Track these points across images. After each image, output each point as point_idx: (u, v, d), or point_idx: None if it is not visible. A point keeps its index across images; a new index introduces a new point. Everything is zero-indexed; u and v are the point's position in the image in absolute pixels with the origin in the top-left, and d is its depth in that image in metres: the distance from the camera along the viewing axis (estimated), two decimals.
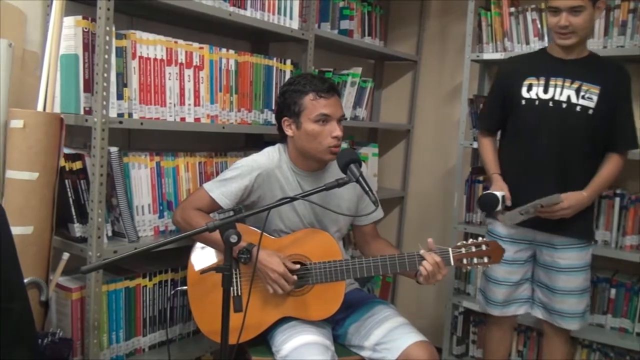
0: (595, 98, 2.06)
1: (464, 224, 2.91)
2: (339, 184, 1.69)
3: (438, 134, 3.36)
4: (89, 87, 1.80)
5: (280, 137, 2.01)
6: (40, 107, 1.75)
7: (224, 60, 2.16)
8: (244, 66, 2.24)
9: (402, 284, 3.50)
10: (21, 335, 1.45)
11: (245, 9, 2.22)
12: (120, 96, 1.84)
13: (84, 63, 1.79)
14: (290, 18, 2.42)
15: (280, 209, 1.89)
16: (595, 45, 2.53)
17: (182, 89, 2.02)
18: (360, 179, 1.71)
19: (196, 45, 2.05)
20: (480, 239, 1.83)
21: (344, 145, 2.89)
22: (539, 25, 2.67)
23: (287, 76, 2.41)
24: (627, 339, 2.52)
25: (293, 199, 1.69)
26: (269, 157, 1.97)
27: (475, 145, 2.74)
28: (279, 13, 2.37)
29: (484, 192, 2.16)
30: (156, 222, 2.02)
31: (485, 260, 1.80)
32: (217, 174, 2.17)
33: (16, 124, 1.67)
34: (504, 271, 2.23)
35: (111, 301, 1.92)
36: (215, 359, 2.34)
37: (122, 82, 1.84)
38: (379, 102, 3.50)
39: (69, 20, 1.79)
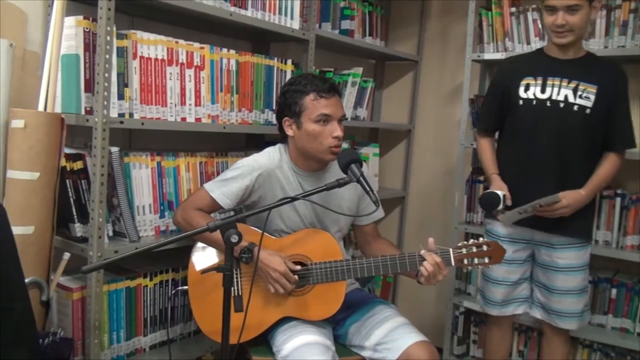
0: (592, 97, 2.07)
1: (464, 224, 2.91)
2: (340, 184, 1.69)
3: (439, 134, 3.36)
4: (89, 87, 1.80)
5: (281, 137, 2.02)
6: (41, 107, 1.75)
7: (224, 60, 2.16)
8: (244, 66, 2.24)
9: (402, 284, 3.50)
10: (22, 335, 1.45)
11: (246, 9, 2.22)
12: (121, 96, 1.84)
13: (85, 63, 1.80)
14: (291, 18, 2.42)
15: (281, 209, 1.89)
16: (596, 45, 2.53)
17: (183, 89, 2.02)
18: (361, 179, 1.71)
19: (197, 45, 2.05)
20: (481, 239, 1.83)
21: (345, 145, 2.90)
22: (540, 25, 2.67)
23: (288, 76, 2.41)
24: (628, 339, 2.52)
25: (294, 199, 1.69)
26: (270, 157, 1.97)
27: (476, 145, 2.74)
28: (279, 13, 2.37)
29: (486, 191, 2.16)
30: (157, 222, 2.02)
31: (486, 260, 1.81)
32: (218, 174, 2.17)
33: (17, 123, 1.67)
34: (502, 271, 2.23)
35: (112, 301, 1.92)
36: (216, 358, 2.35)
37: (123, 82, 1.84)
38: (380, 102, 3.50)
39: (70, 20, 1.79)
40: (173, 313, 2.13)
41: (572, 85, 2.09)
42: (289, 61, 2.44)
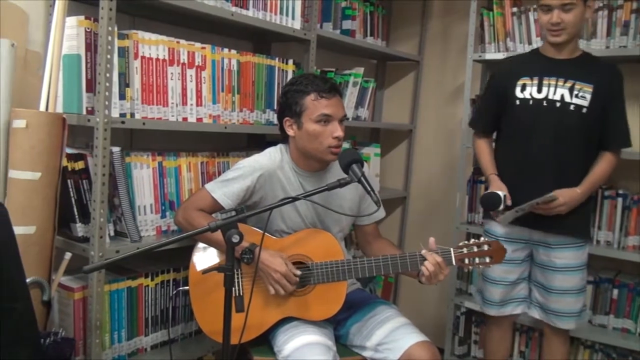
0: (588, 97, 2.08)
1: (466, 224, 2.91)
2: (341, 184, 1.69)
3: (440, 134, 3.36)
4: (91, 87, 1.81)
5: (282, 137, 2.02)
6: (42, 107, 1.75)
7: (226, 60, 2.16)
8: (246, 66, 2.24)
9: (404, 284, 3.50)
10: (23, 335, 1.45)
11: (247, 9, 2.22)
12: (122, 96, 1.84)
13: (87, 63, 1.80)
14: (293, 18, 2.42)
15: (282, 209, 1.89)
16: (597, 45, 2.53)
17: (184, 89, 2.02)
18: (362, 179, 1.71)
19: (198, 45, 2.05)
20: (482, 238, 1.83)
21: (346, 145, 2.91)
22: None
23: (289, 76, 2.41)
24: (630, 340, 2.51)
25: (295, 199, 1.69)
26: (271, 157, 1.97)
27: (473, 145, 2.74)
28: (281, 13, 2.37)
29: (486, 192, 2.17)
30: (158, 222, 2.02)
31: (487, 260, 1.81)
32: (219, 174, 2.17)
33: (19, 123, 1.67)
34: (500, 270, 2.23)
35: (113, 301, 1.92)
36: (217, 359, 2.35)
37: (125, 82, 1.85)
38: (381, 102, 3.50)
39: (72, 20, 1.79)
40: (174, 313, 2.13)
41: (568, 84, 2.10)
42: (290, 61, 2.44)
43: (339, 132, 1.88)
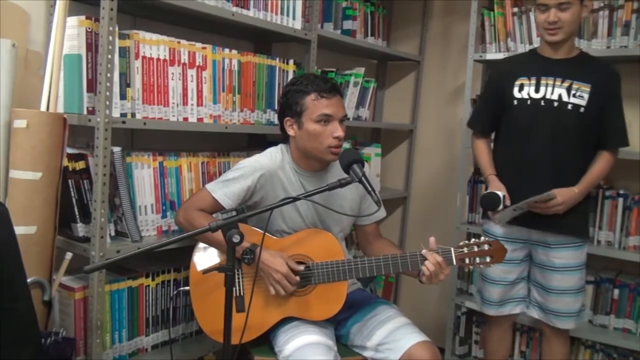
0: (586, 96, 2.08)
1: (466, 224, 2.91)
2: (342, 184, 1.69)
3: (441, 134, 3.35)
4: (92, 87, 1.81)
5: (283, 138, 2.02)
6: (43, 107, 1.75)
7: (226, 61, 2.16)
8: (246, 66, 2.24)
9: (404, 284, 3.50)
10: (24, 335, 1.45)
11: (248, 9, 2.22)
12: (123, 96, 1.84)
13: (87, 63, 1.80)
14: (293, 18, 2.43)
15: (283, 209, 1.89)
16: (598, 45, 2.54)
17: (185, 89, 2.02)
18: (363, 179, 1.71)
19: (199, 45, 2.06)
20: (482, 238, 1.83)
21: (347, 145, 2.91)
22: None
23: (290, 76, 2.41)
24: (631, 340, 2.51)
25: (295, 199, 1.69)
26: (272, 157, 1.97)
27: (471, 146, 2.74)
28: (281, 13, 2.37)
29: (486, 192, 2.17)
30: (159, 222, 2.03)
31: (488, 259, 1.80)
32: (220, 174, 2.17)
33: (20, 123, 1.67)
34: (499, 270, 2.23)
35: (114, 301, 1.92)
36: (217, 359, 2.35)
37: (125, 82, 1.85)
38: (382, 102, 3.50)
39: (72, 20, 1.79)
40: (175, 313, 2.13)
41: (566, 84, 2.10)
42: (291, 61, 2.44)
43: (339, 132, 1.88)
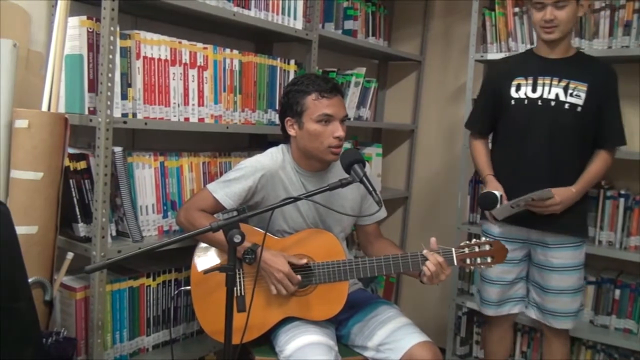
0: (583, 95, 2.09)
1: (467, 224, 2.91)
2: (343, 184, 1.69)
3: (442, 134, 3.35)
4: (93, 87, 1.81)
5: (284, 138, 2.02)
6: (44, 107, 1.75)
7: (227, 61, 2.16)
8: (247, 66, 2.25)
9: (405, 284, 3.50)
10: (25, 335, 1.45)
11: (249, 9, 2.22)
12: (124, 96, 1.84)
13: (89, 63, 1.80)
14: (294, 18, 2.43)
15: (284, 209, 1.89)
16: (599, 45, 2.53)
17: (186, 89, 2.02)
18: (364, 179, 1.71)
19: (200, 45, 2.06)
20: (483, 239, 1.83)
21: (347, 145, 2.91)
22: None
23: (291, 76, 2.41)
24: (632, 340, 2.51)
25: (296, 199, 1.69)
26: (273, 157, 1.97)
27: (469, 147, 2.74)
28: (282, 13, 2.37)
29: (483, 191, 2.17)
30: (160, 222, 2.03)
31: (489, 260, 1.80)
32: (221, 174, 2.17)
33: (21, 123, 1.68)
34: (498, 270, 2.23)
35: (115, 301, 1.92)
36: (218, 358, 2.35)
37: (127, 82, 1.85)
38: (383, 102, 3.50)
39: (74, 21, 1.79)
40: (176, 313, 2.13)
41: (563, 83, 2.11)
42: (292, 61, 2.44)
43: (340, 132, 1.88)
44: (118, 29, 1.77)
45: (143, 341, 2.03)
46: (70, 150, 1.82)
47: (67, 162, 1.78)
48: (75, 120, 1.80)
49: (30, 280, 1.60)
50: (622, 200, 2.54)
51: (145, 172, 1.97)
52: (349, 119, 2.53)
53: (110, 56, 1.75)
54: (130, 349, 1.99)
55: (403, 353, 1.79)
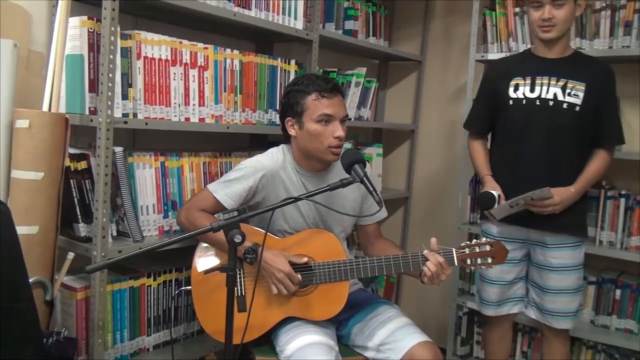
0: (581, 95, 2.09)
1: (468, 224, 2.91)
2: (343, 184, 1.69)
3: (442, 134, 3.35)
4: (94, 87, 1.81)
5: (284, 138, 2.02)
6: (45, 107, 1.76)
7: (228, 61, 2.16)
8: (248, 66, 2.25)
9: (406, 284, 3.49)
10: (26, 335, 1.45)
11: (249, 9, 2.22)
12: (125, 96, 1.85)
13: (89, 63, 1.80)
14: (295, 18, 2.43)
15: (285, 209, 1.89)
16: (600, 45, 2.53)
17: (186, 89, 2.02)
18: (364, 179, 1.71)
19: (201, 45, 2.06)
20: (484, 239, 1.83)
21: (348, 145, 2.91)
22: None
23: (292, 76, 2.41)
24: (632, 340, 2.51)
25: (297, 199, 1.69)
26: (273, 157, 1.98)
27: (467, 147, 2.74)
28: (283, 13, 2.37)
29: (482, 191, 2.18)
30: (161, 222, 2.03)
31: (489, 260, 1.81)
32: (222, 174, 2.17)
33: (22, 124, 1.68)
34: (497, 270, 2.23)
35: (116, 301, 1.92)
36: (219, 358, 2.35)
37: (127, 83, 1.85)
38: (384, 102, 3.50)
39: (74, 21, 1.79)
40: (176, 313, 2.13)
41: (561, 83, 2.11)
42: (293, 61, 2.44)
43: (340, 132, 1.88)
44: (119, 29, 1.78)
45: (144, 341, 2.03)
46: (71, 151, 1.82)
47: (67, 162, 1.78)
48: (75, 120, 1.80)
49: (31, 280, 1.60)
50: (622, 200, 2.54)
51: (145, 172, 1.97)
52: (350, 119, 2.53)
53: (111, 56, 1.75)
54: (131, 349, 1.99)
55: (403, 353, 1.79)
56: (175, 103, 1.99)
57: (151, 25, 2.15)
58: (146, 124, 1.89)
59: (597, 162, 2.13)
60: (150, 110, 1.92)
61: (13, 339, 1.40)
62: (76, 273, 1.90)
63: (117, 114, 1.81)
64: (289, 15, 2.40)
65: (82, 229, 1.84)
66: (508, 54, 2.74)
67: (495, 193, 2.12)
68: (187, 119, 2.04)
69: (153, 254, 1.77)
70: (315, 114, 1.87)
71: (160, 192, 2.02)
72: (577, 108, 2.09)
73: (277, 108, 2.34)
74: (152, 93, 1.92)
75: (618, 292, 2.59)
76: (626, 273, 2.67)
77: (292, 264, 1.81)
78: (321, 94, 1.88)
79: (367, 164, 1.87)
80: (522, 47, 2.74)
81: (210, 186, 1.94)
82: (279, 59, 2.38)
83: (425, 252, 1.78)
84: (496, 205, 2.11)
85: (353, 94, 2.95)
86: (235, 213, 1.56)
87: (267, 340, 1.91)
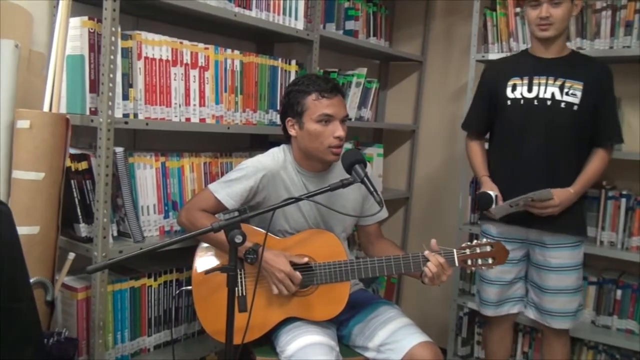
0: (579, 94, 2.09)
1: (468, 224, 2.91)
2: (344, 184, 1.69)
3: (443, 135, 3.35)
4: (94, 87, 1.81)
5: (285, 138, 2.02)
6: (46, 108, 1.76)
7: (229, 61, 2.16)
8: (249, 67, 2.25)
9: (406, 284, 3.49)
10: (27, 335, 1.45)
11: (250, 9, 2.22)
12: (125, 97, 1.85)
13: (90, 64, 1.80)
14: (296, 18, 2.43)
15: (285, 209, 1.89)
16: (601, 45, 2.53)
17: (187, 89, 2.02)
18: (365, 179, 1.71)
19: (201, 45, 2.06)
20: (484, 239, 1.83)
21: (349, 145, 2.91)
22: None
23: (292, 77, 2.41)
24: (633, 341, 2.51)
25: (298, 199, 1.69)
26: (274, 157, 1.98)
27: (465, 148, 2.74)
28: (284, 13, 2.37)
29: (480, 192, 2.18)
30: (161, 222, 2.03)
31: (490, 261, 1.80)
32: (222, 174, 2.17)
33: (22, 124, 1.68)
34: (497, 270, 2.23)
35: (116, 301, 1.92)
36: (220, 359, 2.35)
37: (128, 83, 1.85)
38: (384, 103, 3.50)
39: (75, 21, 1.80)
40: (177, 313, 2.13)
41: (559, 82, 2.11)
42: (293, 62, 2.44)
43: (340, 132, 1.88)
44: (119, 29, 1.78)
45: (144, 341, 2.03)
46: (72, 151, 1.82)
47: (68, 163, 1.78)
48: (76, 120, 1.80)
49: (31, 280, 1.60)
50: (623, 200, 2.54)
51: (146, 173, 1.97)
52: (350, 119, 2.53)
53: (112, 56, 1.75)
54: (132, 349, 1.99)
55: (404, 353, 1.79)
56: (175, 103, 1.99)
57: (152, 25, 2.15)
58: (147, 124, 1.89)
59: (596, 162, 2.13)
60: (151, 110, 1.92)
61: (13, 339, 1.40)
62: (77, 273, 1.91)
63: (118, 114, 1.81)
64: (290, 15, 2.40)
65: (82, 229, 1.84)
66: (509, 54, 2.74)
67: (492, 193, 2.13)
68: (188, 120, 2.04)
69: (154, 254, 1.76)
70: (316, 114, 1.87)
71: (160, 192, 2.02)
72: (575, 107, 2.09)
73: (278, 108, 2.34)
74: (153, 93, 1.92)
75: (619, 292, 2.59)
76: (627, 273, 2.67)
77: (292, 264, 1.81)
78: (321, 94, 1.88)
79: (368, 164, 1.87)
80: (522, 48, 2.72)
81: (211, 186, 1.94)
82: (280, 60, 2.39)
83: (426, 252, 1.78)
84: (494, 206, 2.11)
85: (354, 94, 2.95)
86: (236, 213, 1.56)
87: (268, 341, 1.91)
